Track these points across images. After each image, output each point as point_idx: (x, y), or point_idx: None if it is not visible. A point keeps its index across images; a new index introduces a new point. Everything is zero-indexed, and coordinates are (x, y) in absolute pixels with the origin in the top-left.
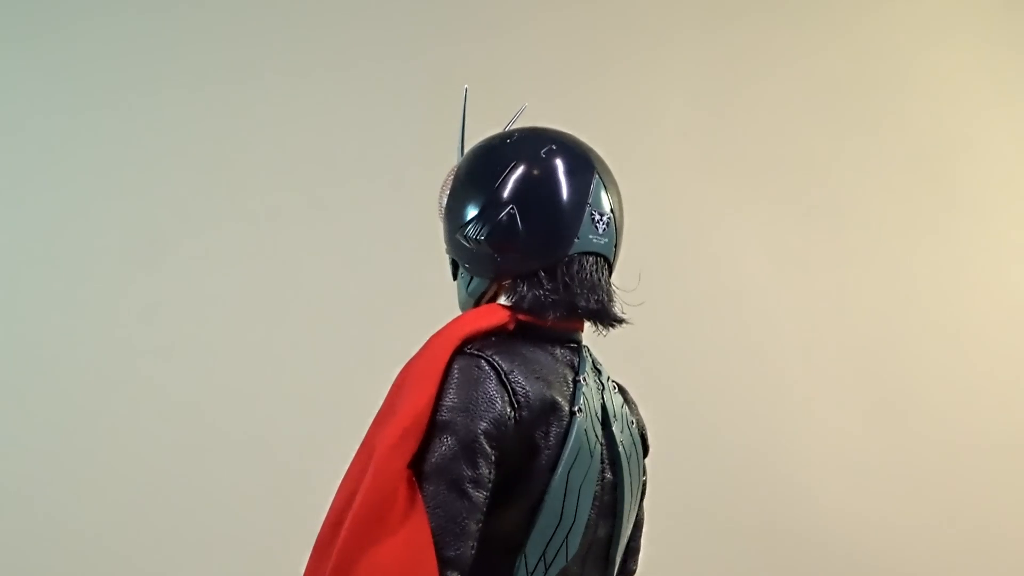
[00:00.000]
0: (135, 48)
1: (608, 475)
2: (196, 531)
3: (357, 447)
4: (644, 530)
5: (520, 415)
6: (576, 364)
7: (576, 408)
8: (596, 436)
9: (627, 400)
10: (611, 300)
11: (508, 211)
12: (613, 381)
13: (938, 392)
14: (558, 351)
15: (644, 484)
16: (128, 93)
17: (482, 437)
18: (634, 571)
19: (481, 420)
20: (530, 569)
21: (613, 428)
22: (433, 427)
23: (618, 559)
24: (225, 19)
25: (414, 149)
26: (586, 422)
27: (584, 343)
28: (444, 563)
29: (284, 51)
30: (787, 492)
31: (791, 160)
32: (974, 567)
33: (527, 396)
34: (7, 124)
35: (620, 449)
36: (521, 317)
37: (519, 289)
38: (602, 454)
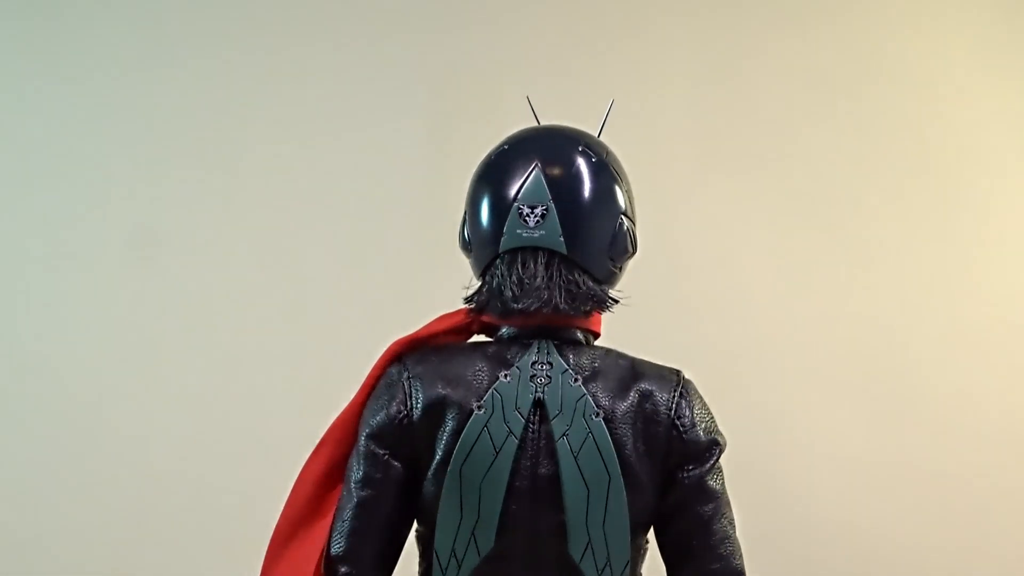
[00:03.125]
0: (135, 47)
1: (544, 468)
2: (195, 530)
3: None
4: (723, 552)
5: (413, 415)
6: (512, 360)
7: (477, 405)
8: (508, 430)
9: (598, 392)
10: (564, 291)
11: (463, 218)
12: (586, 371)
13: (940, 390)
14: (495, 349)
15: (652, 482)
16: (128, 93)
17: (369, 441)
18: None
19: (370, 424)
20: (443, 566)
21: (553, 421)
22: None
23: (596, 565)
24: (225, 19)
25: (416, 148)
26: (492, 418)
27: (551, 337)
28: (329, 559)
29: (284, 50)
30: (786, 489)
31: (792, 157)
32: (976, 564)
33: (422, 398)
34: (7, 124)
35: (563, 441)
36: (483, 318)
37: (477, 290)
38: (531, 447)
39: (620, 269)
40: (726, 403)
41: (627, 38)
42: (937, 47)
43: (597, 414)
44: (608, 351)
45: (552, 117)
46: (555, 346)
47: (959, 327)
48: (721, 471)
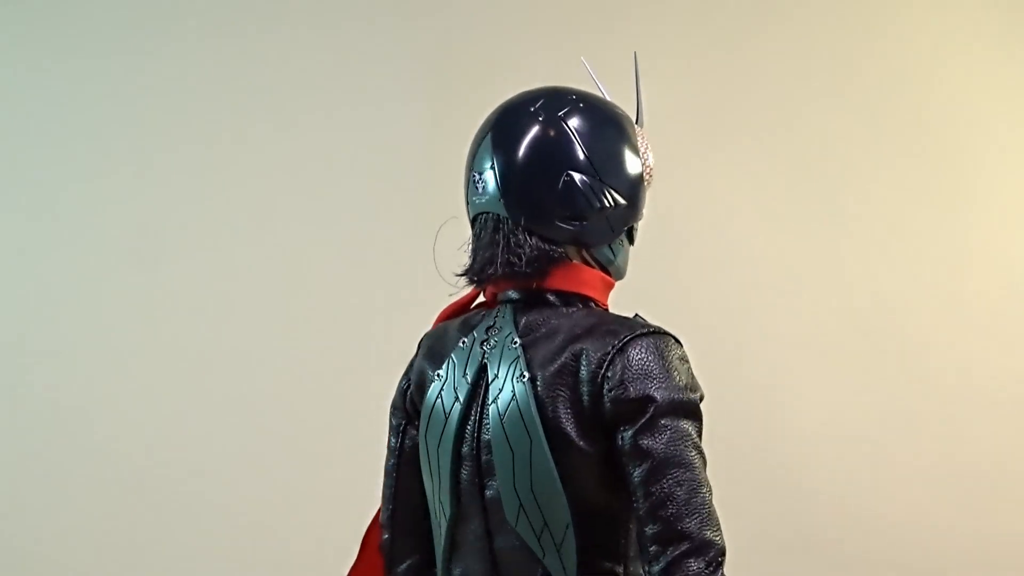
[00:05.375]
0: (135, 48)
1: (486, 434)
2: (191, 533)
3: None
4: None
5: (409, 386)
6: (473, 326)
7: (437, 374)
8: (457, 397)
9: (536, 354)
10: (510, 253)
11: None
12: (534, 333)
13: (938, 361)
14: (468, 317)
15: (577, 447)
16: (127, 92)
17: (390, 413)
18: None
19: (393, 397)
20: (434, 527)
21: (490, 385)
22: None
23: (533, 529)
24: (224, 17)
25: (416, 147)
26: (446, 385)
27: (509, 303)
28: (380, 526)
29: (283, 49)
30: (782, 462)
31: (790, 130)
32: (978, 534)
33: (415, 370)
34: (7, 123)
35: (494, 405)
36: (481, 290)
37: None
38: (475, 412)
39: (588, 227)
40: (723, 376)
41: (626, 13)
42: (937, 23)
43: (523, 376)
44: (588, 312)
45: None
46: (516, 309)
47: (958, 299)
48: (668, 429)
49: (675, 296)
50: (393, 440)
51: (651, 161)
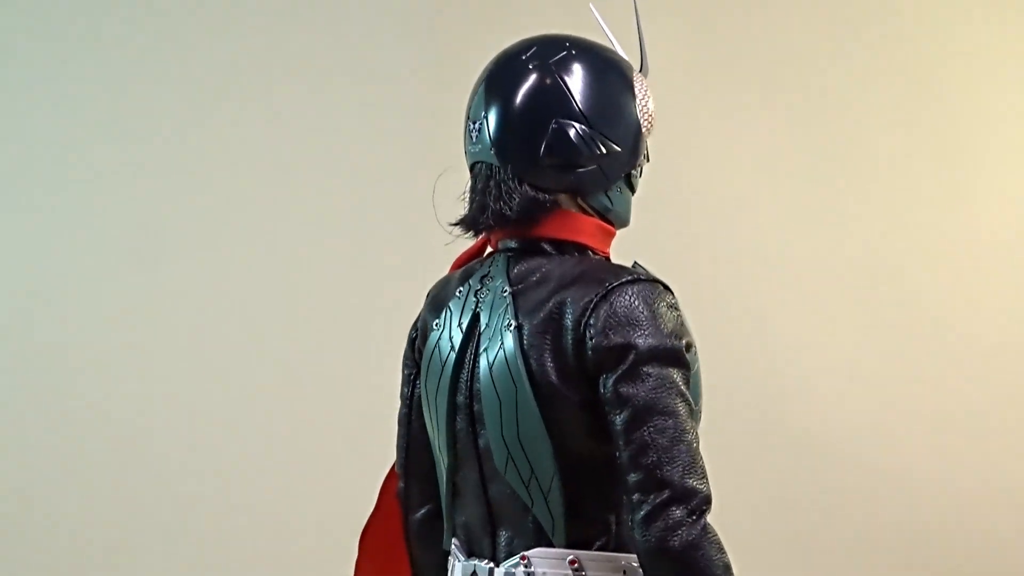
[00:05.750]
0: (135, 47)
1: (477, 384)
2: (194, 531)
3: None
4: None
5: (417, 336)
6: (470, 276)
7: (435, 323)
8: (452, 346)
9: (524, 303)
10: (500, 201)
11: None
12: (526, 282)
13: (936, 301)
14: (468, 267)
15: (559, 397)
16: (127, 92)
17: (402, 362)
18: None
19: (404, 348)
20: (439, 475)
21: (481, 337)
22: None
23: (521, 478)
24: (223, 16)
25: (416, 146)
26: (443, 334)
27: (508, 252)
28: (397, 474)
29: (283, 47)
30: (782, 402)
31: (790, 73)
32: (974, 469)
33: (420, 319)
34: (6, 122)
35: (484, 354)
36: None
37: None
38: (469, 362)
39: (581, 174)
40: (723, 326)
41: None
42: None
43: (510, 325)
44: (580, 260)
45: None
46: (510, 258)
47: (957, 239)
48: (650, 376)
49: (676, 248)
50: (405, 389)
51: (651, 108)
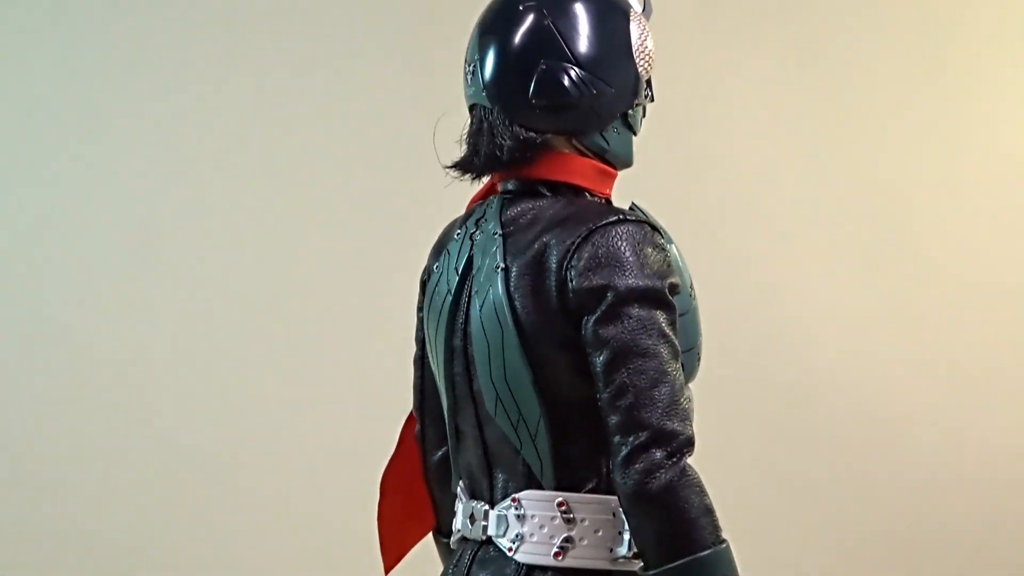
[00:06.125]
0: (134, 46)
1: (470, 327)
2: (193, 532)
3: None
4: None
5: (426, 279)
6: (468, 219)
7: (436, 266)
8: (448, 289)
9: (513, 246)
10: (492, 142)
11: None
12: (517, 224)
13: (938, 243)
14: (475, 210)
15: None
16: (126, 90)
17: (417, 307)
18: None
19: None
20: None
21: (473, 279)
22: None
23: (510, 420)
24: (222, 15)
25: (417, 145)
26: (442, 277)
27: (503, 194)
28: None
29: (283, 45)
30: (781, 343)
31: (791, 12)
32: (975, 409)
33: (426, 264)
34: (6, 121)
35: (475, 297)
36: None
37: None
38: (464, 305)
39: (573, 115)
40: (725, 268)
41: None
42: None
43: (498, 267)
44: (571, 202)
45: None
46: (505, 200)
47: (961, 184)
48: (629, 317)
49: (680, 190)
50: (419, 333)
51: (650, 48)
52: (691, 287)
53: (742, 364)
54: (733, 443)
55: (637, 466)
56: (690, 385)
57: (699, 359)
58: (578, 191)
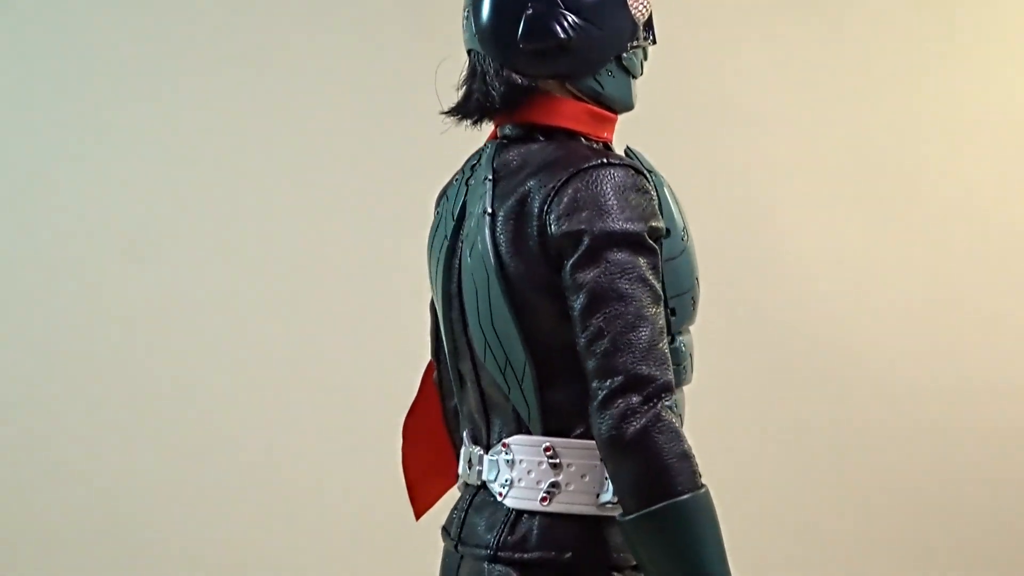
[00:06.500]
0: (133, 45)
1: (463, 273)
2: (193, 532)
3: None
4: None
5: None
6: (466, 164)
7: (437, 211)
8: (445, 234)
9: (499, 191)
10: (484, 86)
11: None
12: (506, 169)
13: (933, 177)
14: (474, 156)
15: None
16: (125, 90)
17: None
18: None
19: None
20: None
21: (464, 225)
22: None
23: (498, 365)
24: (221, 14)
25: (417, 143)
26: (441, 223)
27: (499, 140)
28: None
29: (282, 44)
30: (776, 276)
31: None
32: (975, 346)
33: (434, 208)
34: (7, 120)
35: (465, 245)
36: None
37: None
38: (459, 251)
39: (564, 59)
40: (721, 200)
41: None
42: None
43: (485, 213)
44: (560, 146)
45: None
46: (500, 145)
47: (961, 118)
48: (606, 261)
49: (677, 125)
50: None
51: None
52: (684, 230)
53: (740, 304)
54: (732, 382)
55: (611, 411)
56: (690, 328)
57: (695, 302)
58: (573, 135)
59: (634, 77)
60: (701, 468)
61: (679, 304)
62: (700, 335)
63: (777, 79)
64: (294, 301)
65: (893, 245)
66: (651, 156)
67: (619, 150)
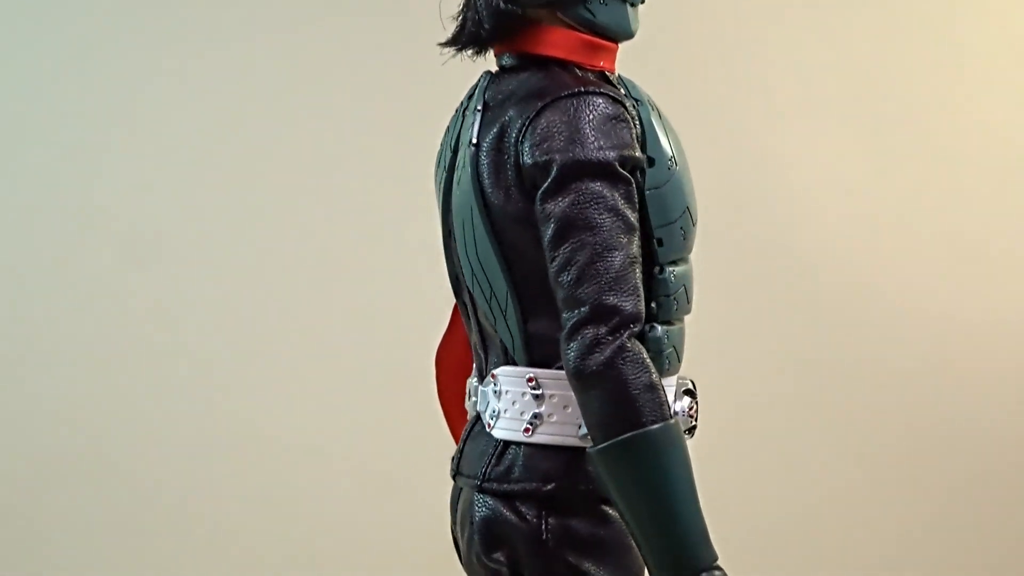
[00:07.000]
0: (133, 44)
1: (453, 204)
2: (196, 533)
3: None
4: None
5: None
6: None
7: (440, 144)
8: (444, 167)
9: (486, 122)
10: (475, 15)
11: None
12: (496, 100)
13: (936, 109)
14: (472, 87)
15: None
16: (125, 89)
17: None
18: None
19: None
20: None
21: (457, 156)
22: None
23: (484, 296)
24: (220, 14)
25: (417, 143)
26: (441, 155)
27: (495, 70)
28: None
29: (283, 42)
30: (776, 208)
31: None
32: (979, 296)
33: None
34: (7, 119)
35: (456, 173)
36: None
37: None
38: (453, 183)
39: None
40: (720, 130)
41: None
42: None
43: (471, 143)
44: (546, 75)
45: None
46: (494, 76)
47: (967, 55)
48: (573, 191)
49: (678, 52)
50: None
51: None
52: (672, 159)
53: (746, 237)
54: (732, 313)
55: (577, 342)
56: (687, 258)
57: (683, 230)
58: (565, 65)
59: (632, 4)
60: (703, 402)
61: (666, 234)
62: (706, 267)
63: (783, 12)
64: (298, 300)
65: (901, 176)
66: (652, 88)
67: None
